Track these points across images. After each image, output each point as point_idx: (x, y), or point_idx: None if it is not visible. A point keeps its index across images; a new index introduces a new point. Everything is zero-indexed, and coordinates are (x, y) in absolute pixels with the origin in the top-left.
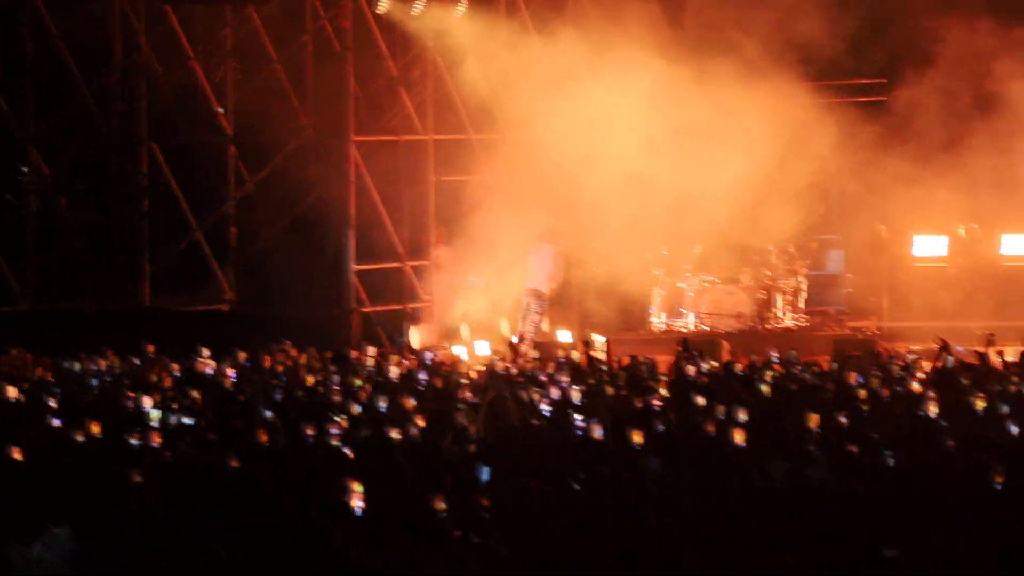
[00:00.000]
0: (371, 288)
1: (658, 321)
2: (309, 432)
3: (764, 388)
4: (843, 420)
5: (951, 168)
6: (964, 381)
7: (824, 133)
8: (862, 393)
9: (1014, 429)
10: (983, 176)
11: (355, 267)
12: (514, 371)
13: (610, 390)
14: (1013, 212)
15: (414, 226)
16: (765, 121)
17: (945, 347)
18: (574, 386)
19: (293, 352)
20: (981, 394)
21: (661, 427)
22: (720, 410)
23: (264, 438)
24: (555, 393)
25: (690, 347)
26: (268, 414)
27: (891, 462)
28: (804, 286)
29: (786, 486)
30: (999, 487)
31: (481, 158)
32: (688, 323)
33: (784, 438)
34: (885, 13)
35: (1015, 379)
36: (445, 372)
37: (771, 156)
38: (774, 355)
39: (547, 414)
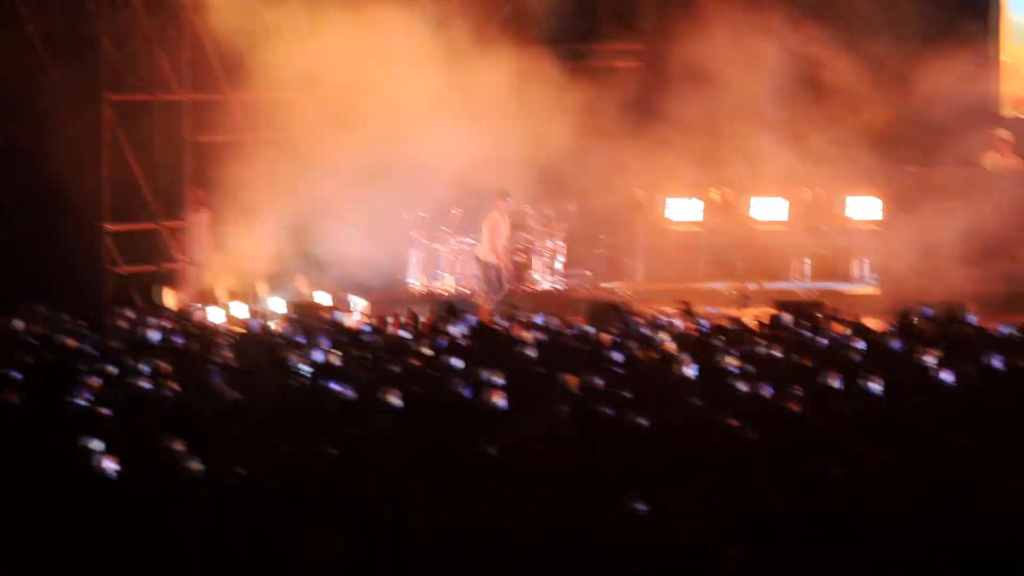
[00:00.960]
0: (125, 249)
1: (416, 283)
2: (60, 394)
3: (526, 350)
4: (597, 381)
5: (705, 132)
6: (716, 343)
7: (575, 97)
8: (615, 354)
9: (766, 389)
10: (736, 140)
11: (109, 227)
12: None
13: (368, 352)
14: (766, 176)
15: (170, 187)
16: (514, 85)
17: (688, 310)
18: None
19: (45, 313)
20: (733, 355)
21: (417, 388)
22: (478, 371)
23: (12, 399)
24: (316, 355)
25: (449, 309)
26: (16, 375)
27: (642, 422)
28: (561, 249)
29: (537, 443)
30: (748, 447)
31: (239, 118)
32: (447, 285)
33: (540, 399)
34: None
35: (765, 340)
36: (200, 333)
37: (521, 121)
38: (536, 317)
39: (306, 376)
